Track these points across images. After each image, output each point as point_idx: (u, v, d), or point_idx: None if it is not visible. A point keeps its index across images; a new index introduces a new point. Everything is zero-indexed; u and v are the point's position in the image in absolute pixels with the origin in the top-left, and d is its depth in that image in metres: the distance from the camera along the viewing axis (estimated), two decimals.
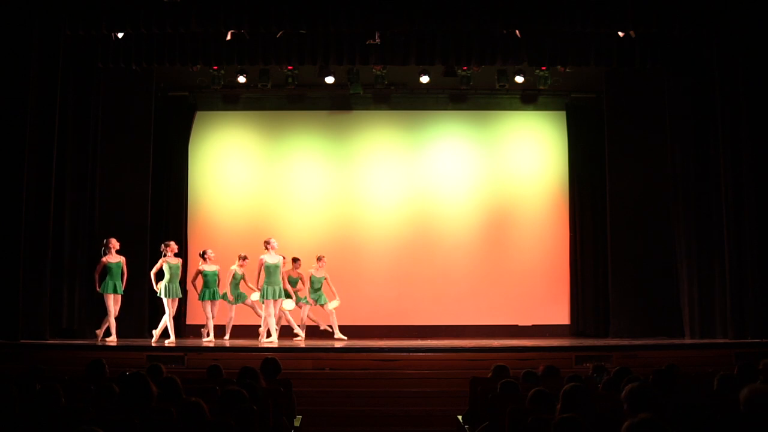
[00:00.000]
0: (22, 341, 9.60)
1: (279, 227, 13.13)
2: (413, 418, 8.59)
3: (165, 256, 10.90)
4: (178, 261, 11.04)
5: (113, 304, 10.76)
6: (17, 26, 10.07)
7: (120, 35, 10.95)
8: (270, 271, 10.89)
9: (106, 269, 10.82)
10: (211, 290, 11.02)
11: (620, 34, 11.08)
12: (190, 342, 11.21)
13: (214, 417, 4.38)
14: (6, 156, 9.93)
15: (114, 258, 10.87)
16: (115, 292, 10.76)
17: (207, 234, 13.22)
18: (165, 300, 10.78)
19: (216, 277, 11.07)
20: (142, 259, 11.89)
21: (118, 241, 10.95)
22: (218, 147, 13.54)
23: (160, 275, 10.92)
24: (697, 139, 11.30)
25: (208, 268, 11.07)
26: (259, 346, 10.41)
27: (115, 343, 10.38)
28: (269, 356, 6.89)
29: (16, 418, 4.28)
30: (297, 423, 6.40)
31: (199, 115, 13.43)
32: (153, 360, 8.27)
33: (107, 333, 10.78)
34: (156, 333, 10.85)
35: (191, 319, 12.80)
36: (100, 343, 10.35)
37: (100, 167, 11.88)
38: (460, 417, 6.77)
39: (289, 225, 13.16)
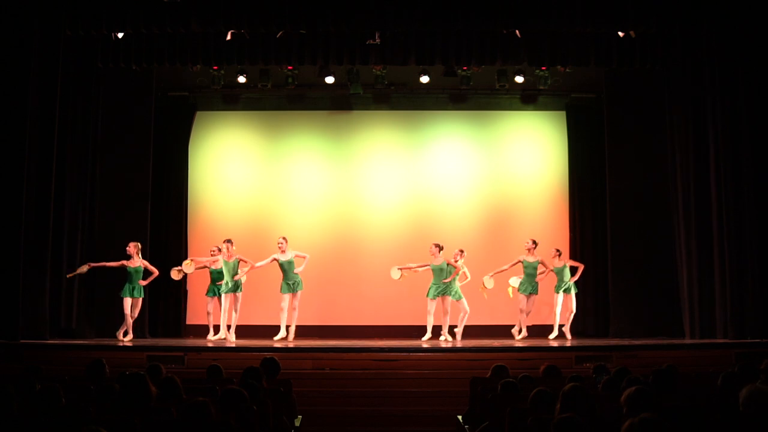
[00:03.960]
0: (22, 341, 9.60)
1: (279, 227, 13.13)
2: (413, 418, 8.58)
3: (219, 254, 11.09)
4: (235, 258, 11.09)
5: (131, 308, 10.92)
6: (17, 26, 10.06)
7: (120, 35, 10.94)
8: (284, 268, 11.05)
9: (127, 273, 10.97)
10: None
11: (620, 34, 11.09)
12: (190, 342, 11.21)
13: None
14: (6, 156, 9.93)
15: (135, 263, 10.98)
16: (131, 295, 10.89)
17: (207, 234, 13.20)
18: (224, 297, 10.98)
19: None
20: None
21: (134, 244, 11.11)
22: (218, 147, 13.54)
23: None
24: (697, 138, 11.29)
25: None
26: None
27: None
28: (268, 356, 6.90)
29: (16, 418, 4.27)
30: (297, 423, 6.40)
31: (199, 115, 13.43)
32: (153, 360, 8.27)
33: (125, 333, 10.94)
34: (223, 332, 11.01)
35: (191, 319, 12.81)
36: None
37: (100, 167, 11.88)
38: (460, 417, 6.77)
39: (289, 225, 13.14)
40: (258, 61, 11.49)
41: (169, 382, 5.20)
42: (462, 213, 13.34)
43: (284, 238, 11.30)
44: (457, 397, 7.86)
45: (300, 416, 6.69)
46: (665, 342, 10.74)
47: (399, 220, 13.30)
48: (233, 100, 13.57)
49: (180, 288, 12.39)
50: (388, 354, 9.40)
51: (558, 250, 11.86)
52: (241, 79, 12.40)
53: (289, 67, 12.08)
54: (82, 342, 10.60)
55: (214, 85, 12.45)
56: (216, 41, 11.07)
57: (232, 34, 10.95)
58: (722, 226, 10.61)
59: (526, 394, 5.04)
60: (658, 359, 8.73)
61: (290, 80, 12.39)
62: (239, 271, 11.06)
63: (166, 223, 12.89)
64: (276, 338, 11.00)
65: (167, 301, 12.48)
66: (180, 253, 12.19)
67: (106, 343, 10.53)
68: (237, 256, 11.06)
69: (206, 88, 12.79)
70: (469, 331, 11.74)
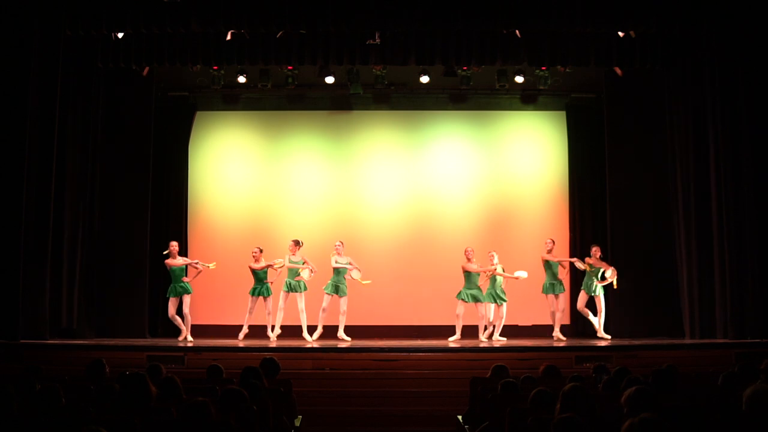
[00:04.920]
0: (22, 341, 9.59)
1: (279, 227, 13.15)
2: (413, 418, 8.59)
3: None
4: (299, 258, 11.34)
5: (181, 306, 11.20)
6: (17, 26, 10.06)
7: (120, 35, 10.94)
8: (339, 270, 11.30)
9: (170, 273, 11.21)
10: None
11: (620, 34, 11.09)
12: (190, 342, 11.20)
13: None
14: (6, 156, 9.92)
15: (177, 262, 11.18)
16: (176, 294, 11.17)
17: (207, 234, 13.23)
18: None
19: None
20: (142, 258, 11.90)
21: (174, 243, 11.44)
22: (218, 147, 13.54)
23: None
24: (697, 138, 11.30)
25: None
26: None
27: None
28: (268, 356, 6.90)
29: (16, 418, 4.27)
30: (297, 423, 6.40)
31: (199, 115, 13.43)
32: (153, 360, 8.28)
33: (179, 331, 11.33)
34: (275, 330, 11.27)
35: (191, 319, 12.78)
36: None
37: (100, 167, 11.87)
38: (460, 417, 6.77)
39: (289, 225, 13.16)
40: (258, 61, 11.49)
41: (169, 382, 5.20)
42: (462, 213, 13.34)
43: (341, 242, 11.50)
44: (457, 397, 7.86)
45: (300, 416, 6.69)
46: (665, 342, 10.74)
47: (399, 220, 13.31)
48: (233, 100, 13.57)
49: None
50: (388, 354, 9.40)
51: (597, 249, 11.65)
52: (241, 79, 12.39)
53: (289, 67, 12.08)
54: (82, 342, 10.59)
55: (214, 85, 12.44)
56: (216, 41, 11.07)
57: (232, 34, 10.95)
58: (722, 226, 10.61)
59: (526, 394, 5.03)
60: (658, 359, 8.73)
61: (290, 80, 12.39)
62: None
63: (166, 223, 12.88)
64: (314, 337, 11.25)
65: (167, 301, 12.47)
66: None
67: (106, 343, 10.52)
68: (302, 257, 11.36)
69: (206, 88, 12.78)
70: (470, 331, 11.73)
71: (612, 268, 11.45)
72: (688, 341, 10.97)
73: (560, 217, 13.37)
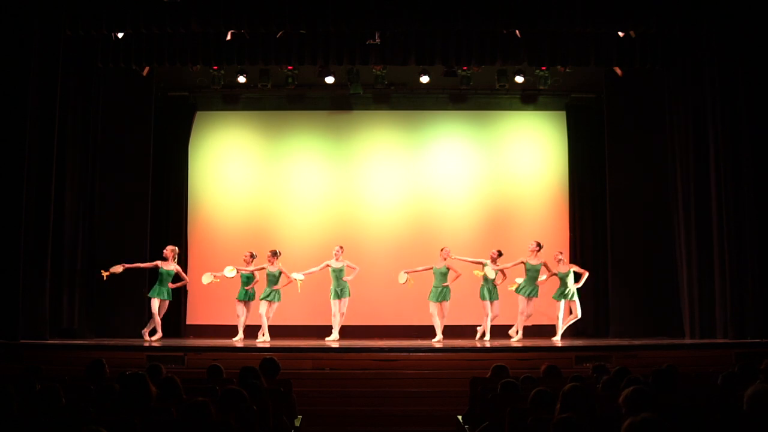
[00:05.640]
0: (22, 341, 9.59)
1: (279, 227, 13.16)
2: (413, 418, 8.58)
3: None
4: (276, 269, 11.32)
5: (158, 308, 11.13)
6: (17, 26, 10.06)
7: (120, 35, 10.95)
8: (335, 275, 11.32)
9: (157, 274, 11.19)
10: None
11: (620, 34, 11.09)
12: (190, 342, 11.21)
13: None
14: (6, 156, 9.92)
15: (168, 266, 11.17)
16: (160, 296, 11.11)
17: (207, 234, 13.23)
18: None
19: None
20: (141, 259, 11.88)
21: (172, 247, 11.39)
22: (218, 147, 13.55)
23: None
24: (697, 138, 11.30)
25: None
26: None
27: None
28: (267, 356, 6.90)
29: (16, 418, 4.27)
30: (297, 423, 6.40)
31: (199, 115, 13.44)
32: (153, 360, 8.28)
33: (153, 332, 11.13)
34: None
35: (191, 319, 12.82)
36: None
37: (100, 167, 11.87)
38: (460, 417, 6.77)
39: (289, 225, 13.18)
40: (258, 61, 11.49)
41: (169, 382, 5.20)
42: (462, 213, 13.34)
43: (341, 247, 11.51)
44: (457, 397, 7.85)
45: (300, 416, 6.69)
46: (665, 342, 10.73)
47: (399, 220, 13.31)
48: (233, 100, 13.58)
49: (180, 288, 12.38)
50: (388, 354, 9.40)
51: (561, 254, 11.66)
52: (241, 79, 12.40)
53: (289, 67, 12.09)
54: (82, 342, 10.58)
55: (214, 85, 12.45)
56: (216, 41, 11.07)
57: (232, 34, 10.95)
58: (722, 226, 10.61)
59: (526, 394, 5.03)
60: (658, 359, 8.73)
61: (290, 80, 12.40)
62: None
63: (166, 223, 12.89)
64: (329, 339, 11.23)
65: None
66: (180, 253, 12.16)
67: (106, 343, 10.52)
68: (280, 267, 11.31)
69: (206, 88, 12.79)
70: (469, 331, 11.75)
71: (574, 266, 11.55)
72: (688, 341, 10.97)
73: (560, 217, 13.37)
